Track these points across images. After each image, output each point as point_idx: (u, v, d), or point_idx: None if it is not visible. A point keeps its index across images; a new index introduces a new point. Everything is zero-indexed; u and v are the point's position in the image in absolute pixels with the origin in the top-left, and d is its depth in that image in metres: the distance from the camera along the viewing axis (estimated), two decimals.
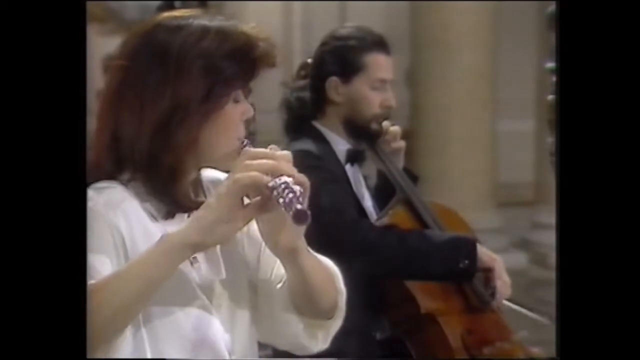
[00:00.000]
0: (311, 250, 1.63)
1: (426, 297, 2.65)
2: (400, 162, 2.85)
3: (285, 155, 1.55)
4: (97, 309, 1.43)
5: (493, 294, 2.63)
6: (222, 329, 1.65)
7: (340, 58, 2.69)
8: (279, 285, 1.70)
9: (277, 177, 1.49)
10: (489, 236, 4.73)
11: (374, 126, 2.73)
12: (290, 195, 1.46)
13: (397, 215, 2.73)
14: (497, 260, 2.63)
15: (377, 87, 2.71)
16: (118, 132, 1.61)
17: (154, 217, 1.62)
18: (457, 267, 2.57)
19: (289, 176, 1.50)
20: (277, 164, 1.51)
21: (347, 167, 2.74)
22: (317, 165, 2.54)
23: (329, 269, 1.71)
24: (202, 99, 1.59)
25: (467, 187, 6.53)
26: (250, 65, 1.63)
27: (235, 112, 1.63)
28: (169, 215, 1.63)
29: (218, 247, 1.68)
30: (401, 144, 2.82)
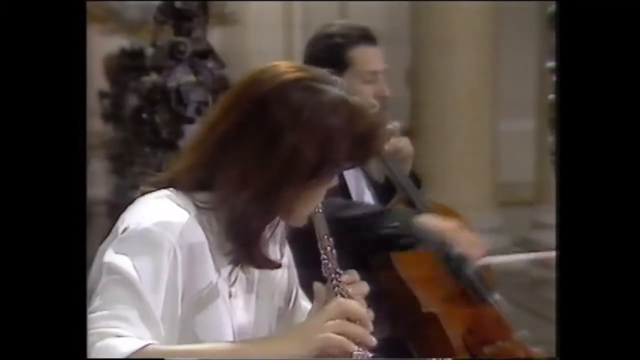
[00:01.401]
0: None
1: (427, 296, 2.65)
2: (408, 168, 2.84)
3: (364, 287, 1.62)
4: None
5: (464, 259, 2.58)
6: None
7: (328, 57, 2.69)
8: None
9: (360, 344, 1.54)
10: (490, 236, 4.73)
11: None
12: None
13: None
14: (448, 229, 2.54)
15: (369, 79, 2.71)
16: (220, 164, 1.59)
17: (211, 250, 1.60)
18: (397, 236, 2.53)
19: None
20: (368, 336, 1.55)
21: None
22: None
23: None
24: (313, 171, 1.57)
25: (467, 187, 6.53)
26: (367, 152, 1.63)
27: (329, 185, 1.64)
28: (234, 262, 1.63)
29: (256, 291, 1.71)
30: (408, 151, 2.82)
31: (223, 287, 1.63)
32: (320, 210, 1.66)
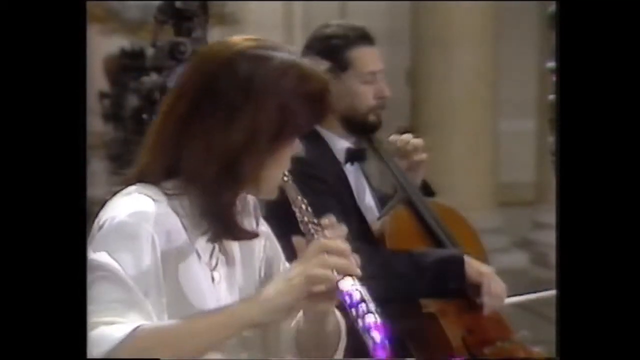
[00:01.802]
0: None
1: None
2: (420, 176, 2.84)
3: (342, 231, 1.60)
4: (144, 355, 1.44)
5: (481, 306, 2.61)
6: None
7: (326, 58, 2.69)
8: (292, 324, 1.73)
9: (345, 276, 1.52)
10: (490, 236, 4.73)
11: (371, 118, 2.72)
12: (369, 319, 1.47)
13: (398, 215, 2.72)
14: (486, 274, 2.60)
15: (369, 80, 2.70)
16: (182, 148, 1.61)
17: (188, 233, 1.63)
18: (445, 287, 2.57)
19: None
20: (349, 265, 1.54)
21: (347, 166, 2.73)
22: (309, 173, 2.52)
23: (337, 317, 1.74)
24: (274, 136, 1.59)
25: (468, 187, 6.53)
26: (322, 110, 1.65)
27: (291, 148, 1.65)
28: (212, 239, 1.65)
29: (239, 269, 1.72)
30: (422, 156, 2.82)
31: (205, 271, 1.65)
32: (289, 179, 1.67)
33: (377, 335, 1.44)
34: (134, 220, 1.55)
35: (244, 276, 1.73)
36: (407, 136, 2.79)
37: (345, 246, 1.56)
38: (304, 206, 1.66)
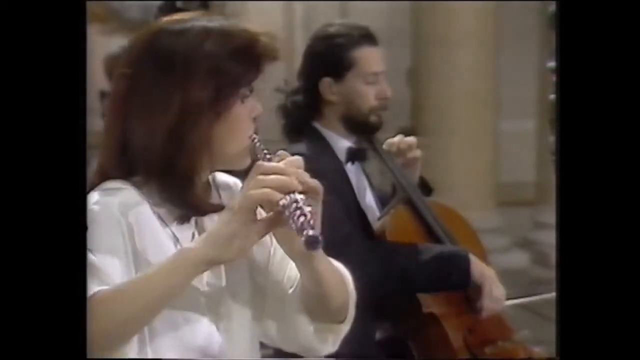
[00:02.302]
0: (324, 255, 1.63)
1: (428, 296, 2.65)
2: (417, 172, 2.84)
3: (295, 162, 1.55)
4: (106, 316, 1.44)
5: (480, 309, 2.61)
6: (217, 335, 1.65)
7: (330, 58, 2.68)
8: (291, 290, 1.71)
9: (289, 193, 1.49)
10: (491, 236, 4.73)
11: (373, 119, 2.72)
12: (302, 219, 1.46)
13: (398, 215, 2.72)
14: (487, 276, 2.60)
15: (371, 80, 2.70)
16: (129, 137, 1.62)
17: (164, 222, 1.63)
18: (448, 282, 2.57)
19: (301, 192, 1.50)
20: (288, 180, 1.51)
21: (348, 165, 2.74)
22: (310, 170, 2.51)
23: (341, 273, 1.73)
24: (211, 101, 1.60)
25: (468, 187, 6.53)
26: (254, 62, 1.64)
27: (244, 111, 1.64)
28: (182, 219, 1.64)
29: None
30: (417, 153, 2.82)
31: None
32: (256, 140, 1.64)
33: (310, 231, 1.43)
34: (99, 207, 1.56)
35: (227, 270, 1.70)
36: (400, 136, 2.80)
37: (280, 165, 1.53)
38: (258, 144, 1.63)
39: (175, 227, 1.64)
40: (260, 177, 1.51)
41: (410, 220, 2.73)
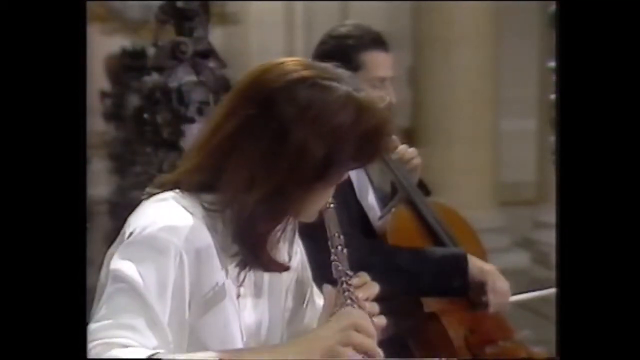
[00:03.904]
0: None
1: None
2: (417, 176, 2.84)
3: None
4: None
5: (487, 304, 2.61)
6: None
7: (338, 58, 2.67)
8: None
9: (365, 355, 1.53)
10: (491, 235, 4.73)
11: None
12: None
13: (399, 215, 2.72)
14: (489, 272, 2.60)
15: (377, 85, 2.69)
16: (226, 165, 1.56)
17: (220, 253, 1.59)
18: (448, 285, 2.57)
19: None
20: (374, 347, 1.53)
21: None
22: None
23: None
24: (321, 169, 1.54)
25: (469, 186, 6.53)
26: (375, 150, 1.60)
27: (339, 181, 1.62)
28: (243, 265, 1.61)
29: (266, 291, 1.70)
30: (418, 161, 2.81)
31: (230, 287, 1.61)
32: (332, 206, 1.65)
33: None
34: (164, 235, 1.50)
35: (270, 302, 1.71)
36: (403, 147, 2.79)
37: (372, 327, 1.55)
38: (339, 247, 1.63)
39: (229, 261, 1.60)
40: (354, 334, 1.52)
41: (410, 220, 2.72)
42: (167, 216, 1.53)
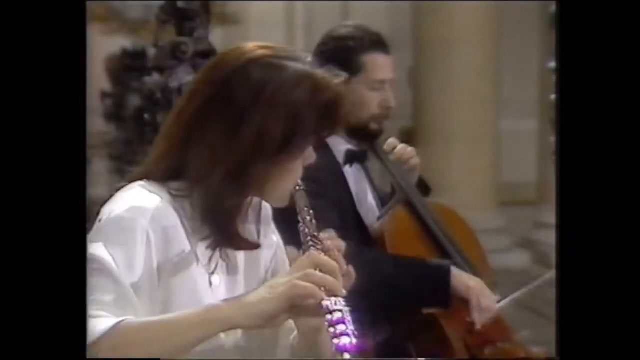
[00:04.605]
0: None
1: None
2: (416, 175, 2.83)
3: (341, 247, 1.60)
4: (128, 350, 1.45)
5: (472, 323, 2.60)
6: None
7: (338, 59, 2.66)
8: (290, 338, 1.72)
9: (331, 296, 1.51)
10: (492, 236, 4.74)
11: (373, 126, 2.71)
12: (345, 340, 1.46)
13: (397, 216, 2.72)
14: (474, 289, 2.57)
15: (376, 87, 2.68)
16: (187, 150, 1.61)
17: (190, 237, 1.62)
18: (428, 296, 2.55)
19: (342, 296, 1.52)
20: (337, 284, 1.52)
21: (347, 167, 2.73)
22: (307, 175, 2.50)
23: None
24: (283, 144, 1.58)
25: (469, 187, 6.53)
26: (333, 122, 1.64)
27: (305, 159, 1.65)
28: (212, 246, 1.64)
29: (242, 278, 1.71)
30: (417, 160, 2.81)
31: (202, 275, 1.64)
32: (302, 188, 1.67)
33: (347, 357, 1.44)
34: (130, 214, 1.56)
35: (247, 286, 1.71)
36: (402, 146, 2.79)
37: (335, 264, 1.55)
38: (308, 217, 1.65)
39: (199, 245, 1.63)
40: (311, 271, 1.52)
41: (409, 221, 2.72)
42: (132, 199, 1.59)
